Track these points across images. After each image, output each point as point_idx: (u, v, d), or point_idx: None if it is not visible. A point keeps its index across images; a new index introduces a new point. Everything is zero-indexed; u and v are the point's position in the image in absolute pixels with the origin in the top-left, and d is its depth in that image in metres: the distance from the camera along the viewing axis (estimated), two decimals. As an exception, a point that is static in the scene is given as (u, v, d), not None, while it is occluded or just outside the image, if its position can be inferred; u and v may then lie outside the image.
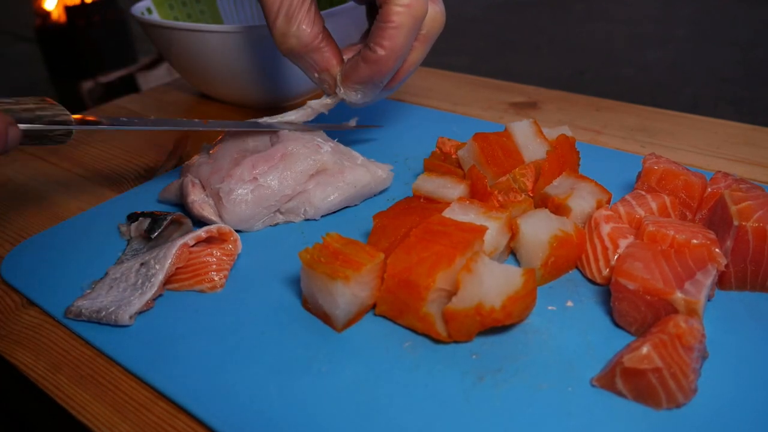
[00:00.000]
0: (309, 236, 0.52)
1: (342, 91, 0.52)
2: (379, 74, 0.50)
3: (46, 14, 2.50)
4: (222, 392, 0.38)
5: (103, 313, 0.43)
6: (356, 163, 0.56)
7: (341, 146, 0.58)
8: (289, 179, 0.52)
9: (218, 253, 0.48)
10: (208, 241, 0.48)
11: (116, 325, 0.43)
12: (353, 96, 0.52)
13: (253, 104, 0.81)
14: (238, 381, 0.38)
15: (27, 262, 0.51)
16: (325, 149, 0.54)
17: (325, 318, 0.42)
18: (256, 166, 0.52)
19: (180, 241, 0.46)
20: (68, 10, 2.53)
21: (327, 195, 0.53)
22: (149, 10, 0.82)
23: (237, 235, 0.49)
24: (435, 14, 0.52)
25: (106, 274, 0.47)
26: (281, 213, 0.54)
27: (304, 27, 0.50)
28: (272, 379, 0.38)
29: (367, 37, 0.52)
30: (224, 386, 0.38)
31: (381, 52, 0.49)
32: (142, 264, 0.46)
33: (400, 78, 0.54)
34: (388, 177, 0.57)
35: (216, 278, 0.47)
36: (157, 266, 0.45)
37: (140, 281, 0.45)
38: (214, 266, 0.47)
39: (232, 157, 0.54)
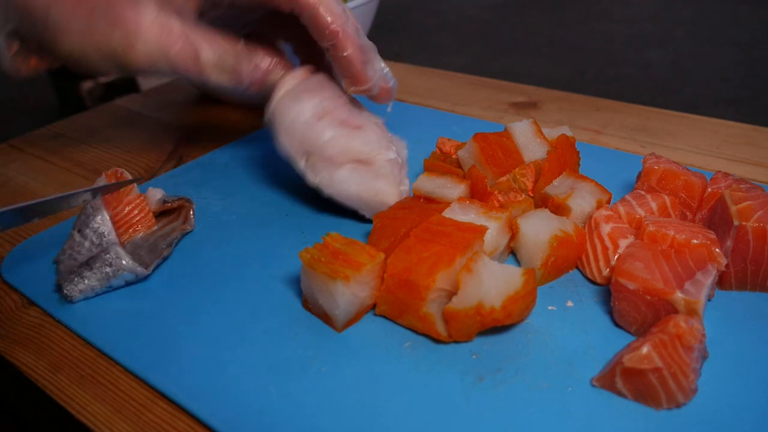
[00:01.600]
0: (309, 236, 0.52)
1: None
2: (358, 46, 0.50)
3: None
4: (222, 392, 0.38)
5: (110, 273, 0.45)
6: (397, 182, 0.51)
7: (404, 170, 0.54)
8: (337, 144, 0.50)
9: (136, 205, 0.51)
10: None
11: (136, 280, 0.46)
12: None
13: (253, 104, 0.81)
14: (238, 381, 0.38)
15: (27, 262, 0.51)
16: (389, 154, 0.51)
17: (325, 318, 0.42)
18: (333, 114, 0.51)
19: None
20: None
21: (346, 179, 0.51)
22: (149, 10, 0.81)
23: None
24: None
25: (59, 262, 0.48)
26: (307, 159, 0.52)
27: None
28: (272, 379, 0.38)
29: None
30: (224, 386, 0.38)
31: (335, 27, 0.49)
32: (78, 231, 0.47)
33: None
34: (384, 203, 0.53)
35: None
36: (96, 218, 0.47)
37: (94, 239, 0.47)
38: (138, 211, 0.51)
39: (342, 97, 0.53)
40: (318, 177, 0.51)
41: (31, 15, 0.46)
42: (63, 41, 0.47)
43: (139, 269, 0.46)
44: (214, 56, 0.49)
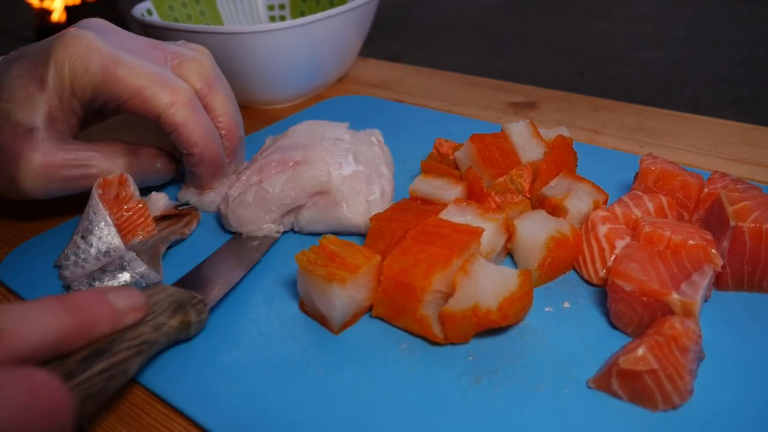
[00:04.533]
0: (306, 238, 0.52)
1: (205, 194, 0.55)
2: (214, 165, 0.53)
3: (46, 14, 2.50)
4: (218, 394, 0.38)
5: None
6: (362, 199, 0.51)
7: (379, 170, 0.53)
8: (290, 190, 0.50)
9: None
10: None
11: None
12: (219, 186, 0.56)
13: (254, 104, 0.81)
14: (235, 383, 0.38)
15: (26, 264, 0.51)
16: (344, 170, 0.51)
17: (322, 320, 0.42)
18: (265, 170, 0.51)
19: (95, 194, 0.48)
20: (68, 10, 2.53)
21: (313, 220, 0.51)
22: (149, 12, 0.82)
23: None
24: (197, 70, 0.53)
25: (62, 267, 0.48)
26: (283, 223, 0.52)
27: None
28: (269, 381, 0.38)
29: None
30: (220, 388, 0.38)
31: (196, 150, 0.51)
32: (82, 237, 0.47)
33: (235, 141, 0.56)
34: None
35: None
36: (99, 224, 0.47)
37: (100, 247, 0.47)
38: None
39: (266, 158, 0.53)
40: (295, 226, 0.53)
41: None
42: None
43: (153, 274, 0.46)
44: (105, 165, 0.52)
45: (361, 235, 0.51)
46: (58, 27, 2.30)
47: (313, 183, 0.50)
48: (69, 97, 0.49)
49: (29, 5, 2.60)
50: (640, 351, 0.35)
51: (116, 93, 0.49)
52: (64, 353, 0.32)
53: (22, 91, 0.48)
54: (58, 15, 2.51)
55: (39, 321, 0.30)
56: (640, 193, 0.48)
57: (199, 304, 0.41)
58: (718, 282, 0.44)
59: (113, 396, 0.39)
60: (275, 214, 0.51)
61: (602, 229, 0.44)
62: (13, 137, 0.48)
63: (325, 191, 0.50)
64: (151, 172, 0.56)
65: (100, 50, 0.48)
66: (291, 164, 0.51)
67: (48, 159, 0.49)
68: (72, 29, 0.50)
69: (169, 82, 0.50)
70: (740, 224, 0.41)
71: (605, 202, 0.50)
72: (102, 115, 0.57)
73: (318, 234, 0.52)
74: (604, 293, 0.43)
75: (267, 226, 0.51)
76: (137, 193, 0.51)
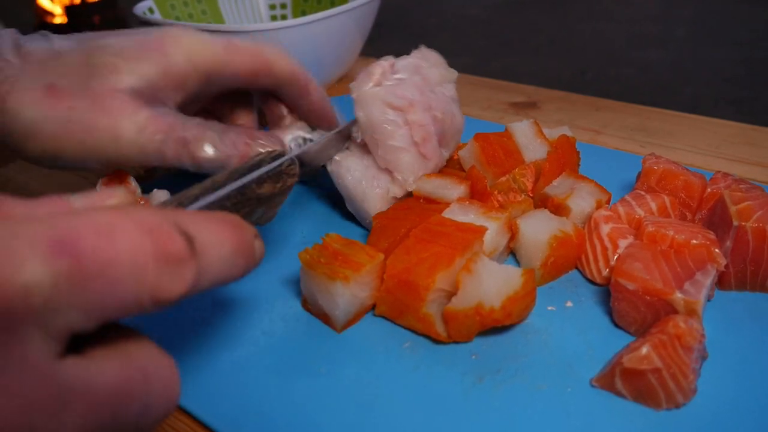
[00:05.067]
0: (309, 236, 0.52)
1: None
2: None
3: (46, 14, 2.50)
4: (222, 393, 0.38)
5: None
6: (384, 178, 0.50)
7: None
8: (397, 159, 0.50)
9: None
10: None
11: None
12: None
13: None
14: (238, 382, 0.39)
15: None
16: (405, 184, 0.50)
17: (325, 318, 0.42)
18: (423, 133, 0.51)
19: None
20: (68, 10, 2.53)
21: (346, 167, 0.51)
22: (151, 10, 0.82)
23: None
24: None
25: None
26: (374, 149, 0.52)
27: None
28: (272, 380, 0.38)
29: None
30: (224, 387, 0.38)
31: (310, 82, 0.53)
32: None
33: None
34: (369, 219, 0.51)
35: None
36: None
37: None
38: None
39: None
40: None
41: None
42: (34, 142, 0.45)
43: None
44: (198, 136, 0.49)
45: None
46: (59, 27, 2.30)
47: (402, 169, 0.50)
48: (185, 68, 0.48)
49: (30, 5, 2.60)
50: (644, 350, 0.35)
51: (241, 59, 0.50)
52: None
53: (136, 52, 0.47)
54: (57, 15, 2.51)
55: None
56: (642, 193, 0.48)
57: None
58: (721, 282, 0.44)
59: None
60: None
61: (605, 229, 0.44)
62: (119, 91, 0.46)
63: (393, 176, 0.51)
64: (243, 152, 0.51)
65: (210, 36, 0.50)
66: (421, 152, 0.50)
67: (154, 118, 0.47)
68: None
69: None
70: (743, 224, 0.41)
71: (608, 202, 0.50)
72: (193, 105, 0.55)
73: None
74: (607, 292, 0.43)
75: None
76: (138, 190, 0.51)
